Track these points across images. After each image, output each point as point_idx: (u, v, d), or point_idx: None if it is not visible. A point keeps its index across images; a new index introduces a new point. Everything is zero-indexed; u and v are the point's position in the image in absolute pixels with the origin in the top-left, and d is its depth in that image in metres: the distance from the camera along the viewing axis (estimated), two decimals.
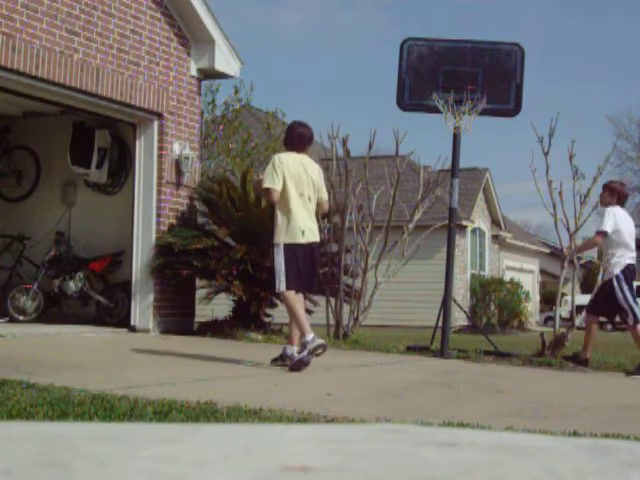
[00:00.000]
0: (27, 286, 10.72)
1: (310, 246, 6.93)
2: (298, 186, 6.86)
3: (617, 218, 8.26)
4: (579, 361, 8.32)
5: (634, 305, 8.16)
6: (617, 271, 8.22)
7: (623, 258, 8.26)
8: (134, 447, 1.03)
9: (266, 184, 6.82)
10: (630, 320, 8.28)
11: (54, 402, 4.11)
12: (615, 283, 8.23)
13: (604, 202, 8.48)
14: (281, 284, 6.75)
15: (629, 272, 8.29)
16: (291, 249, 6.79)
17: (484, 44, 9.81)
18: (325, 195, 7.20)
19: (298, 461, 0.95)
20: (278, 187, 6.77)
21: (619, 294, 8.20)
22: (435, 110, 9.46)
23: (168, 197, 10.29)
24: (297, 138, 7.04)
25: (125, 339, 9.47)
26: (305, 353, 6.65)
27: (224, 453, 0.99)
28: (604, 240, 8.25)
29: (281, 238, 6.80)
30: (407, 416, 4.33)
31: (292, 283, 6.78)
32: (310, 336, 6.68)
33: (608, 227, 8.17)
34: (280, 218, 6.83)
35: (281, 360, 6.95)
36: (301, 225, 6.85)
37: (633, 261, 8.37)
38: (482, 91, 9.37)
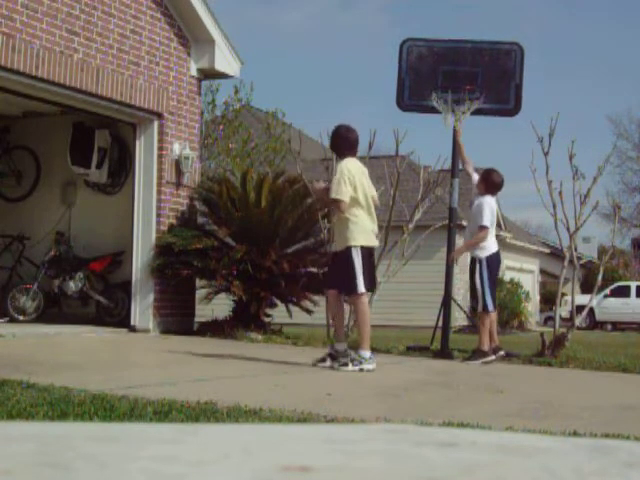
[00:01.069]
0: (27, 286, 10.72)
1: (374, 249, 7.24)
2: (365, 190, 7.06)
3: (491, 209, 8.52)
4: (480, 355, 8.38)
5: (487, 292, 8.36)
6: (482, 255, 8.43)
7: (489, 244, 8.48)
8: (134, 447, 1.03)
9: (337, 195, 6.93)
10: (479, 307, 8.51)
11: (54, 402, 4.10)
12: (477, 267, 8.45)
13: (480, 191, 8.65)
14: (360, 285, 6.91)
15: (495, 258, 8.53)
16: (366, 251, 7.00)
17: (484, 44, 9.81)
18: (375, 191, 7.38)
19: (298, 461, 0.95)
20: (347, 198, 6.91)
21: (477, 278, 8.41)
22: (435, 110, 9.46)
23: (168, 197, 10.30)
24: (354, 143, 7.22)
25: (125, 339, 9.47)
26: (356, 368, 6.85)
27: (224, 453, 0.99)
28: (482, 230, 8.44)
29: (358, 241, 6.94)
30: (407, 416, 4.33)
31: (367, 284, 6.99)
32: (368, 353, 6.94)
33: (488, 221, 8.41)
34: (354, 222, 6.96)
35: (330, 359, 7.02)
36: (374, 228, 7.12)
37: (497, 247, 8.62)
38: (480, 91, 9.36)
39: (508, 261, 29.92)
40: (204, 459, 0.96)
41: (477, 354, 8.38)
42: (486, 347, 8.38)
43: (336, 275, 7.14)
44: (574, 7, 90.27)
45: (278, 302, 10.74)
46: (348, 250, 6.91)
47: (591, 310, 27.86)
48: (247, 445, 1.05)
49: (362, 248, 6.93)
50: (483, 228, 8.40)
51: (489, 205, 8.48)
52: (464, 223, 24.55)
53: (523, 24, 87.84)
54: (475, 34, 61.62)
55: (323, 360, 7.05)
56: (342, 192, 6.88)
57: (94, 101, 9.50)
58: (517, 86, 9.56)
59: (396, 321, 21.83)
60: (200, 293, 10.71)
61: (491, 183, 8.62)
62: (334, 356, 7.01)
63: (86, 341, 8.99)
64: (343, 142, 7.16)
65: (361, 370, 6.84)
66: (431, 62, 9.74)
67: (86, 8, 9.22)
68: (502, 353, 8.67)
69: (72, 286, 10.84)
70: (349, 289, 7.02)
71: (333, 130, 7.36)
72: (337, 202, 6.92)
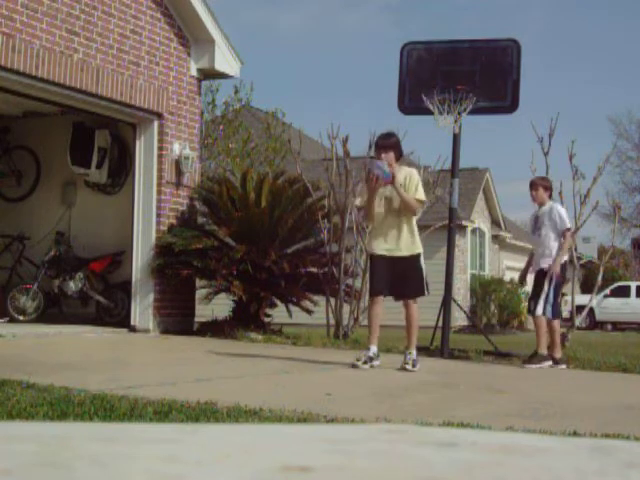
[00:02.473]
0: (27, 286, 10.72)
1: None
2: None
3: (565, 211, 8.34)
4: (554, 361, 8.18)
5: (551, 299, 8.07)
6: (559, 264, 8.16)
7: (563, 252, 8.20)
8: (134, 447, 1.02)
9: (423, 197, 7.11)
10: (539, 310, 8.10)
11: (54, 402, 4.11)
12: (549, 273, 8.16)
13: (543, 200, 8.28)
14: (425, 289, 7.21)
15: (564, 266, 8.27)
16: None
17: (481, 42, 9.83)
18: None
19: (298, 461, 0.95)
20: None
21: (546, 283, 8.10)
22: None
23: (168, 197, 10.30)
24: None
25: (125, 339, 9.47)
26: (416, 369, 7.07)
27: (224, 453, 0.99)
28: (567, 232, 8.18)
29: (421, 248, 7.19)
30: (407, 416, 4.33)
31: None
32: (414, 352, 7.22)
33: (569, 222, 8.20)
34: (415, 229, 7.15)
35: (370, 361, 7.15)
36: None
37: (567, 257, 8.41)
38: (477, 90, 9.37)
39: (508, 261, 29.92)
40: (204, 459, 0.96)
41: (536, 358, 8.07)
42: (544, 351, 8.06)
43: (405, 280, 7.17)
44: (575, 7, 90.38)
45: (278, 302, 10.74)
46: (419, 256, 7.14)
47: (591, 310, 27.86)
48: (247, 445, 1.05)
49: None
50: (569, 230, 8.16)
51: (563, 209, 8.29)
52: (464, 223, 24.59)
53: (525, 24, 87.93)
54: (478, 34, 61.68)
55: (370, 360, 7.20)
56: (424, 193, 7.11)
57: (94, 101, 9.50)
58: (514, 82, 9.55)
59: (396, 321, 21.79)
60: (200, 293, 10.71)
61: (551, 189, 8.41)
62: (371, 358, 7.17)
63: (86, 341, 8.99)
64: (400, 147, 7.30)
65: (413, 366, 7.10)
66: (430, 64, 9.75)
67: (86, 8, 9.22)
68: (563, 366, 8.17)
69: (72, 286, 10.84)
70: (418, 292, 7.21)
71: (391, 136, 7.33)
72: (422, 204, 7.15)
